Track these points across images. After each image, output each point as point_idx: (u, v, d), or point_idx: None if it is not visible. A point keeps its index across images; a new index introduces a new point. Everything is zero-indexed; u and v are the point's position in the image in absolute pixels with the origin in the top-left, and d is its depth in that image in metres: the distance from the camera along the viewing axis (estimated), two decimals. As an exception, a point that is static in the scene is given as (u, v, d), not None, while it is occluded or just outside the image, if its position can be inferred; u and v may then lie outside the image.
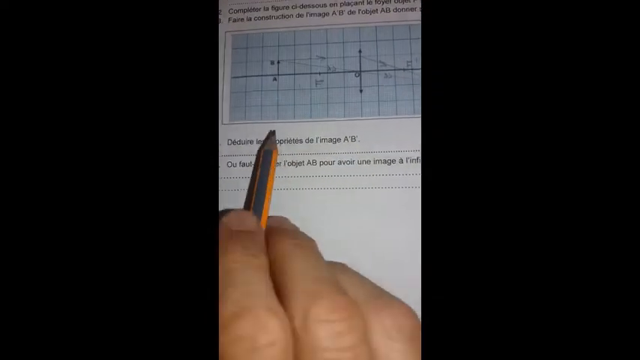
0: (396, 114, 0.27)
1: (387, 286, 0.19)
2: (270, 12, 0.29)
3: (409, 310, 0.16)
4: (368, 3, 0.28)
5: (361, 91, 0.27)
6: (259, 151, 0.26)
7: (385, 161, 0.26)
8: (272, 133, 0.26)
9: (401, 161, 0.26)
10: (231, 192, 0.27)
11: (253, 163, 0.27)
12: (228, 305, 0.15)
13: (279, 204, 0.26)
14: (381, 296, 0.17)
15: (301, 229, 0.25)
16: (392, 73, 0.27)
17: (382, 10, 0.28)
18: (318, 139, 0.27)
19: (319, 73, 0.28)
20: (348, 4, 0.28)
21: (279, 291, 0.16)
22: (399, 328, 0.16)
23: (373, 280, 0.20)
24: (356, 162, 0.26)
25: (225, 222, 0.20)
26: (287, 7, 0.29)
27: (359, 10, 0.28)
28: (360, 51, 0.28)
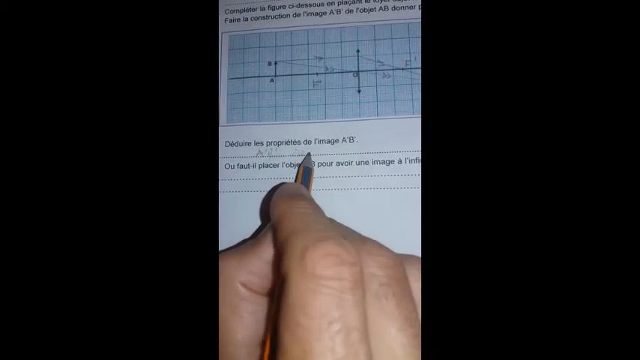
0: (395, 114, 0.26)
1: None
2: (267, 12, 0.29)
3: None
4: (366, 1, 0.28)
5: (359, 91, 0.27)
6: (299, 166, 0.26)
7: (384, 162, 0.26)
8: (309, 155, 0.26)
9: (400, 162, 0.26)
10: (229, 193, 0.26)
11: (251, 164, 0.27)
12: (311, 233, 0.16)
13: (277, 206, 0.26)
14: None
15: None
16: (390, 72, 0.27)
17: (380, 8, 0.28)
18: (316, 141, 0.27)
19: (317, 74, 0.27)
20: (346, 2, 0.28)
21: None
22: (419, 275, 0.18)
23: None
24: (354, 163, 0.26)
25: (283, 188, 0.22)
26: (284, 7, 0.28)
27: (357, 8, 0.28)
28: (358, 50, 0.27)
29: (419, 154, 0.26)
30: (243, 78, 0.28)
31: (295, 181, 0.26)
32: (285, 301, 0.15)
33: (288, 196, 0.20)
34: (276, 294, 0.18)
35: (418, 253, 0.24)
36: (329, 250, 0.15)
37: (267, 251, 0.19)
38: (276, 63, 0.28)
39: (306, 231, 0.17)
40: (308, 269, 0.15)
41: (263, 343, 0.18)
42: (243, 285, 0.19)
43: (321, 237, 0.16)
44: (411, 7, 0.28)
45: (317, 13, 0.28)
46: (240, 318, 0.19)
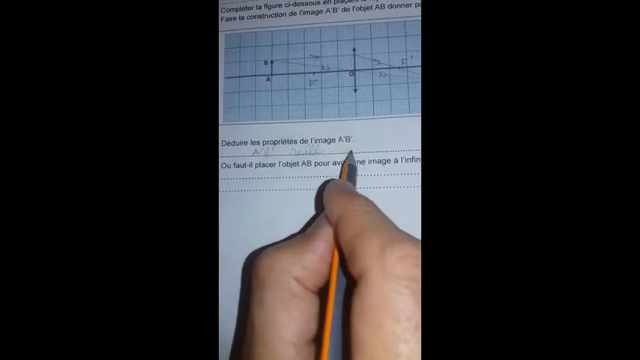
0: (391, 113, 0.26)
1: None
2: (263, 10, 0.28)
3: None
4: (362, -1, 0.28)
5: (355, 90, 0.27)
6: (343, 164, 0.26)
7: (380, 161, 0.26)
8: (351, 153, 0.26)
9: (396, 161, 0.26)
10: (226, 193, 0.27)
11: (248, 164, 0.27)
12: (385, 232, 0.16)
13: (274, 204, 0.26)
14: None
15: (297, 230, 0.25)
16: (386, 71, 0.27)
17: (377, 6, 0.28)
18: (313, 140, 0.27)
19: (313, 73, 0.27)
20: (342, 1, 0.28)
21: None
22: None
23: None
24: (350, 162, 0.26)
25: (337, 184, 0.21)
26: (280, 6, 0.28)
27: (353, 7, 0.28)
28: (354, 49, 0.27)
29: (415, 154, 0.26)
30: (240, 77, 0.28)
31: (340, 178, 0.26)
32: (363, 300, 0.15)
33: (346, 194, 0.20)
34: (332, 291, 0.18)
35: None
36: (407, 251, 0.15)
37: (321, 246, 0.19)
38: (272, 62, 0.28)
39: (379, 230, 0.16)
40: (388, 269, 0.15)
41: (314, 342, 0.18)
42: (297, 281, 0.18)
43: (397, 237, 0.16)
44: (408, 5, 0.28)
45: (313, 12, 0.28)
46: (291, 315, 0.18)
